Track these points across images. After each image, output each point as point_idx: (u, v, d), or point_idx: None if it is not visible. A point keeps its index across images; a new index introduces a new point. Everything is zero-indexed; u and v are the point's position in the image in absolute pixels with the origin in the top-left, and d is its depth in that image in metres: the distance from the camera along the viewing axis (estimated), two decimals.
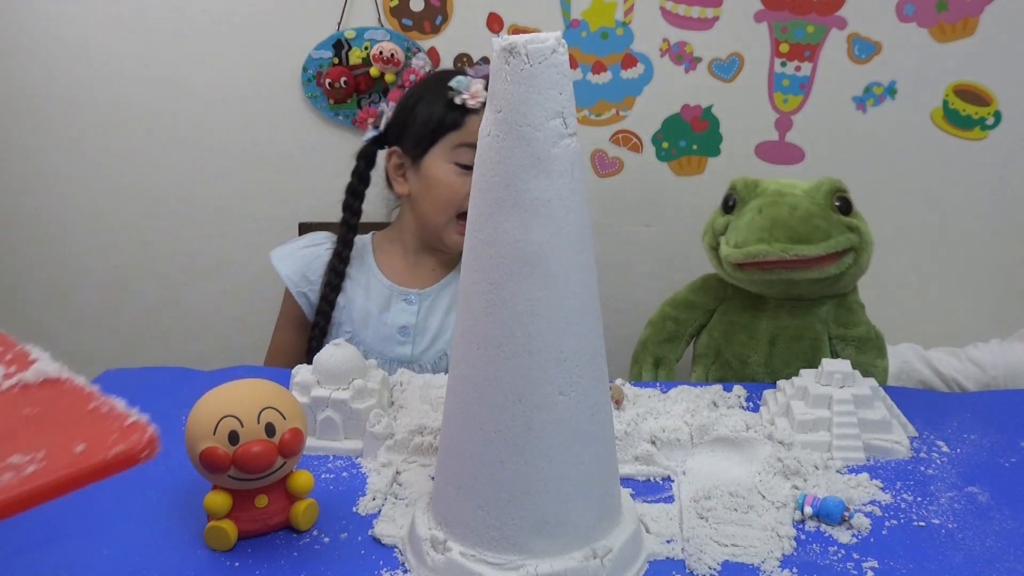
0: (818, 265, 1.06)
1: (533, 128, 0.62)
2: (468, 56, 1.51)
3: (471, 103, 1.19)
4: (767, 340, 1.14)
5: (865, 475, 0.85)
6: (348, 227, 1.30)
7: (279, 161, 1.58)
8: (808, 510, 0.77)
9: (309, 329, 1.30)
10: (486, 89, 1.17)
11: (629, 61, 1.51)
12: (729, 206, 1.14)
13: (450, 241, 1.25)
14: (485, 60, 1.51)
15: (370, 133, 1.29)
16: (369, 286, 1.29)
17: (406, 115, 1.25)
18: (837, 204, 1.09)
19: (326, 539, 0.75)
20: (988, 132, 1.50)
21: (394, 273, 1.30)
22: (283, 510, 0.75)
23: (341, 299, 1.28)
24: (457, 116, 1.20)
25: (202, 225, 1.63)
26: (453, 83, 1.20)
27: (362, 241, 1.34)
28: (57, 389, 0.53)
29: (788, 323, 1.13)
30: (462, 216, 1.21)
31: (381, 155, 1.32)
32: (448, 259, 1.30)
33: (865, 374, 1.00)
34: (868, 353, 1.11)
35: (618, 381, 1.02)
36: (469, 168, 1.19)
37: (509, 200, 0.63)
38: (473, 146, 1.17)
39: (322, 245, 1.32)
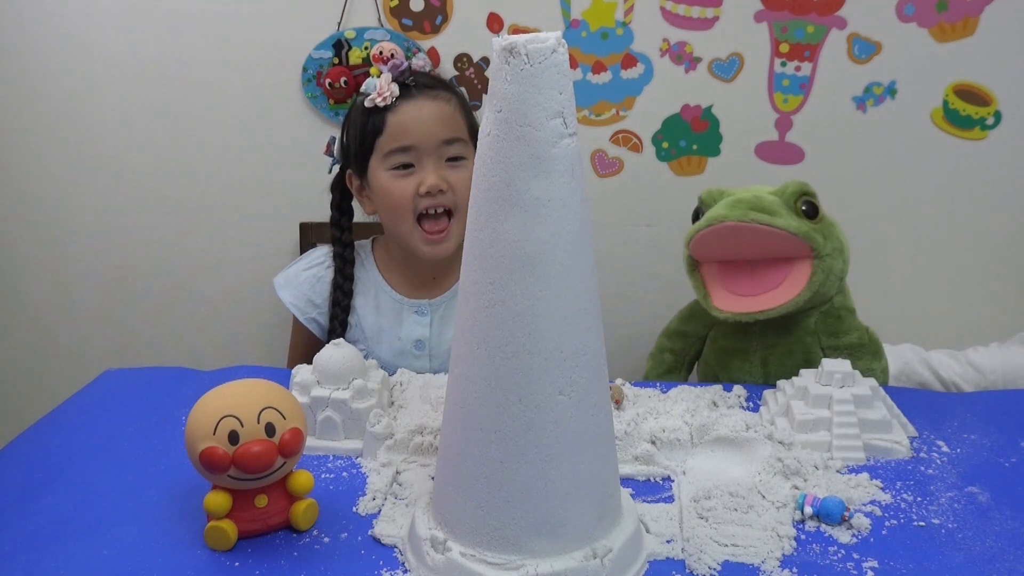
0: (775, 243, 1.04)
1: (533, 128, 0.62)
2: (468, 56, 1.51)
3: (380, 102, 1.15)
4: (759, 361, 1.13)
5: (865, 475, 0.85)
6: (343, 260, 1.27)
7: (279, 161, 1.58)
8: (808, 510, 0.77)
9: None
10: (396, 80, 1.16)
11: (629, 61, 1.51)
12: (698, 218, 1.12)
13: (420, 252, 1.21)
14: (485, 60, 1.51)
15: (331, 163, 1.27)
16: (378, 299, 1.28)
17: (344, 135, 1.24)
18: (803, 208, 1.06)
19: (326, 539, 0.75)
20: (988, 132, 1.50)
21: (399, 283, 1.28)
22: (283, 510, 0.75)
23: (351, 318, 1.27)
24: (377, 120, 1.17)
25: (202, 225, 1.63)
26: (363, 87, 1.17)
27: (363, 247, 1.32)
28: None
29: (777, 341, 1.12)
30: (422, 219, 1.19)
31: None
32: (447, 265, 1.26)
33: None
34: (863, 359, 1.10)
35: (618, 381, 1.02)
36: (406, 168, 1.18)
37: (509, 200, 0.63)
38: (403, 149, 1.16)
39: (322, 264, 1.29)
